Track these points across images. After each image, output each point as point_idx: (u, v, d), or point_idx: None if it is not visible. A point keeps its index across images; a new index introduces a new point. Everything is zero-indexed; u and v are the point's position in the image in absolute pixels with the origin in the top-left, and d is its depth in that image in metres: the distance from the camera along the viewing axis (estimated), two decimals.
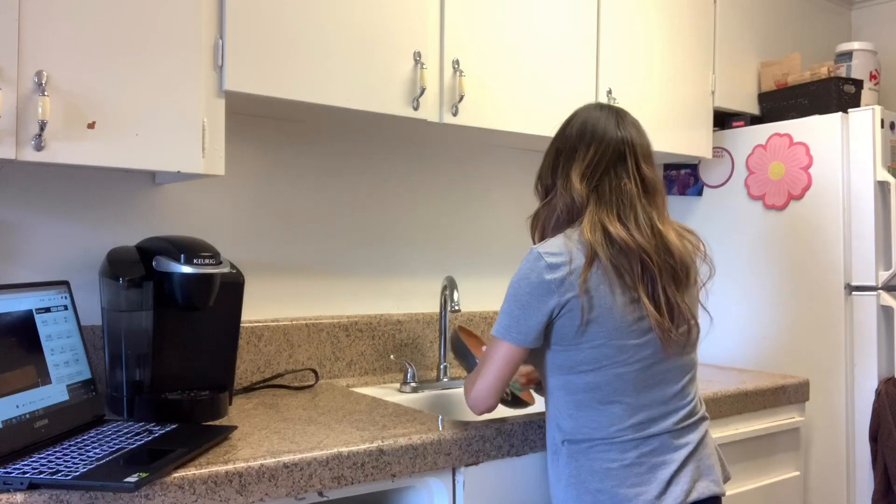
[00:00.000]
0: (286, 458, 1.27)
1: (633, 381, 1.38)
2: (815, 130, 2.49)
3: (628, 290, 1.36)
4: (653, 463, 1.37)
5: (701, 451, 1.42)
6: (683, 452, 1.39)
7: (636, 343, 1.37)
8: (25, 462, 1.14)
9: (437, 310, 2.32)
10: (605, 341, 1.36)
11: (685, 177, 2.81)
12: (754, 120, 2.72)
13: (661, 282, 1.38)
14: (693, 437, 1.42)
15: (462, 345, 1.69)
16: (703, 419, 1.46)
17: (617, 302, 1.36)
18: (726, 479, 1.51)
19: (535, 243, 1.48)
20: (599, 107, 1.54)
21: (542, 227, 1.51)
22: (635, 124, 1.51)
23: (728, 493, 1.50)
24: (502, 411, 2.08)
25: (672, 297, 1.38)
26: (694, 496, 1.37)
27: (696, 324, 1.46)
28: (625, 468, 1.36)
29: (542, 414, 1.62)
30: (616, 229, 1.37)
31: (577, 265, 1.36)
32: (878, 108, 2.40)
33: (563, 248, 1.38)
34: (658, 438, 1.38)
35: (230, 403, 1.66)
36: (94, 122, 1.43)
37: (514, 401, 1.65)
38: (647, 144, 1.50)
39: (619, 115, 1.51)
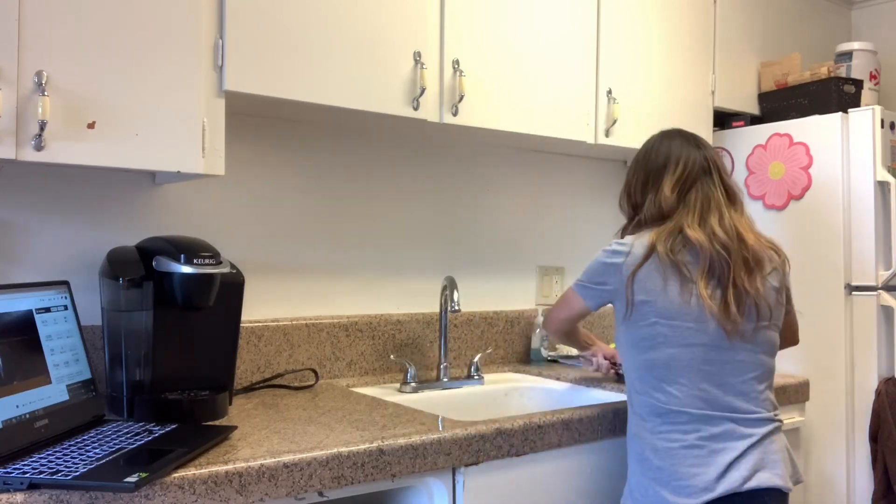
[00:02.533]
0: (286, 458, 1.27)
1: (691, 363, 1.47)
2: (815, 130, 2.49)
3: (686, 282, 1.49)
4: (714, 447, 1.45)
5: (766, 445, 1.48)
6: (746, 443, 1.46)
7: (692, 327, 1.48)
8: (25, 462, 1.14)
9: (437, 310, 2.32)
10: (657, 320, 1.50)
11: None
12: (754, 120, 2.72)
13: (734, 271, 1.50)
14: (759, 431, 1.48)
15: None
16: (772, 420, 1.52)
17: (669, 288, 1.50)
18: (797, 480, 1.56)
19: None
20: (679, 132, 1.71)
21: (630, 234, 1.65)
22: (708, 145, 1.69)
23: None
24: (505, 411, 2.09)
25: (741, 283, 1.49)
26: (752, 484, 1.42)
27: (773, 326, 1.55)
28: (685, 448, 1.45)
29: (542, 413, 1.63)
30: (693, 231, 1.53)
31: (634, 256, 1.54)
32: (878, 108, 2.40)
33: (630, 241, 1.58)
34: (721, 424, 1.46)
35: (230, 403, 1.66)
36: (94, 122, 1.43)
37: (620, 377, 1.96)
38: (723, 161, 1.72)
39: (696, 138, 1.69)
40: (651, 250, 1.52)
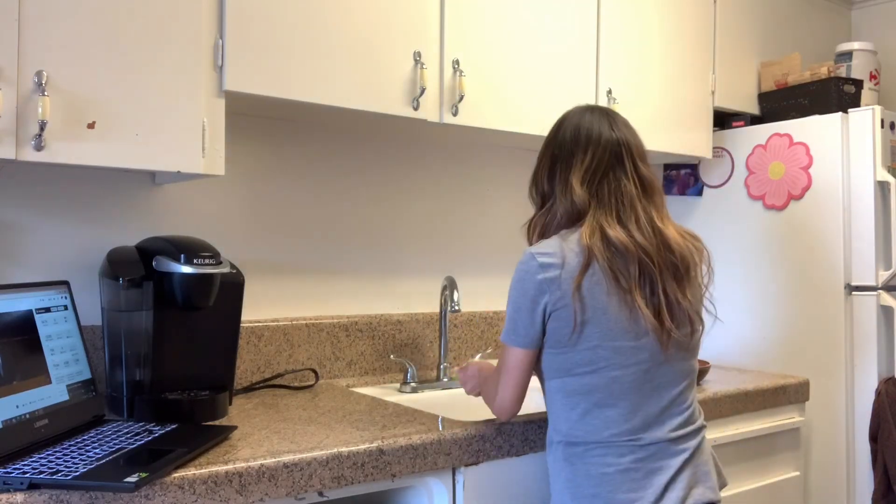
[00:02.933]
0: (286, 458, 1.27)
1: (631, 385, 1.36)
2: (815, 130, 2.49)
3: (624, 293, 1.35)
4: (649, 468, 1.35)
5: (698, 457, 1.40)
6: (680, 459, 1.37)
7: (632, 345, 1.36)
8: (25, 462, 1.14)
9: (437, 310, 2.32)
10: (600, 342, 1.35)
11: (685, 177, 2.81)
12: (754, 120, 2.72)
13: (662, 280, 1.37)
14: (691, 444, 1.40)
15: None
16: (701, 427, 1.45)
17: (612, 304, 1.35)
18: (722, 485, 1.49)
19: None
20: (590, 109, 1.53)
21: (541, 233, 1.50)
22: (627, 125, 1.50)
23: (728, 493, 1.50)
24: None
25: (673, 294, 1.38)
26: (690, 502, 1.35)
27: (701, 323, 1.45)
28: (620, 473, 1.35)
29: (542, 413, 1.62)
30: (615, 232, 1.37)
31: (570, 267, 1.36)
32: (878, 108, 2.40)
33: (557, 248, 1.39)
34: (655, 444, 1.37)
35: (230, 403, 1.66)
36: (94, 122, 1.43)
37: None
38: (641, 144, 1.50)
39: (610, 116, 1.50)
40: (589, 257, 1.35)
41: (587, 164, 1.43)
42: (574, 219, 1.43)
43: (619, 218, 1.40)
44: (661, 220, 1.43)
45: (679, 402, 1.40)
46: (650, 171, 1.47)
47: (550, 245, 1.40)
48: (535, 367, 1.46)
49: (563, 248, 1.38)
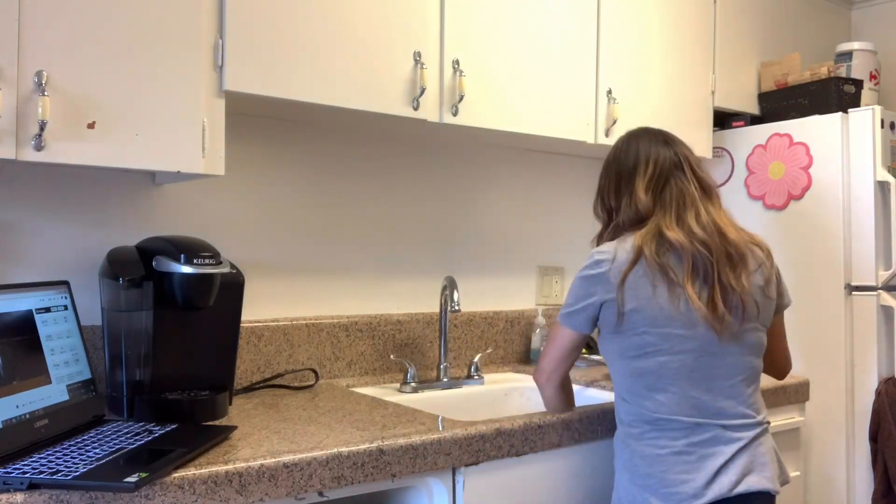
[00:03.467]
0: (286, 458, 1.27)
1: (679, 371, 1.45)
2: (815, 130, 2.49)
3: (673, 285, 1.46)
4: (703, 453, 1.43)
5: (755, 448, 1.47)
6: (735, 446, 1.44)
7: (682, 333, 1.45)
8: (25, 462, 1.14)
9: (437, 310, 2.32)
10: (647, 328, 1.46)
11: None
12: (754, 120, 2.72)
13: (717, 268, 1.47)
14: (746, 434, 1.46)
15: None
16: (759, 423, 1.50)
17: (659, 294, 1.46)
18: (784, 481, 1.54)
19: None
20: (645, 131, 1.67)
21: (609, 240, 1.61)
22: (680, 140, 1.65)
23: None
24: (505, 411, 2.09)
25: (727, 280, 1.46)
26: (742, 488, 1.41)
27: (760, 327, 1.52)
28: (674, 455, 1.43)
29: (542, 413, 1.63)
30: (672, 232, 1.49)
31: (619, 262, 1.49)
32: (878, 108, 2.40)
33: (611, 248, 1.53)
34: (709, 430, 1.44)
35: (230, 403, 1.66)
36: (94, 122, 1.43)
37: None
38: (695, 155, 1.64)
39: (664, 134, 1.65)
40: (638, 254, 1.48)
41: (650, 174, 1.58)
42: (636, 224, 1.56)
43: (680, 217, 1.52)
44: (719, 217, 1.55)
45: (735, 394, 1.48)
46: (708, 175, 1.62)
47: (607, 246, 1.55)
48: (602, 352, 1.58)
49: (618, 248, 1.52)
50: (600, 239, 1.66)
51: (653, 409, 1.46)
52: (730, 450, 1.44)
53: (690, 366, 1.45)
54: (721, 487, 1.40)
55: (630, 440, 1.50)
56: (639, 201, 1.56)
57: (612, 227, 1.63)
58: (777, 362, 1.70)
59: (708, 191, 1.58)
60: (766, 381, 2.13)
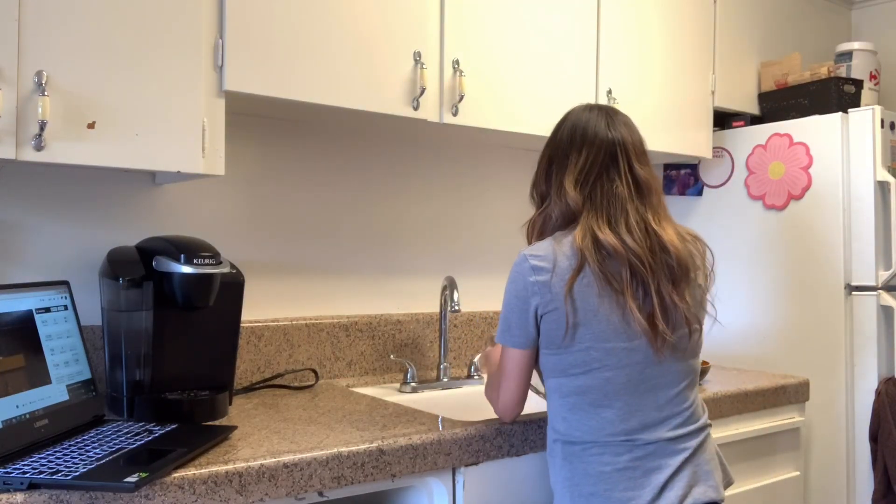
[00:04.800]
0: (286, 458, 1.27)
1: (625, 385, 1.36)
2: (815, 130, 2.49)
3: (616, 295, 1.35)
4: (647, 467, 1.35)
5: (699, 456, 1.39)
6: (680, 458, 1.37)
7: (626, 346, 1.36)
8: (25, 462, 1.14)
9: (437, 310, 2.32)
10: (592, 344, 1.35)
11: (685, 177, 2.81)
12: (754, 120, 2.72)
13: (656, 282, 1.36)
14: (691, 444, 1.39)
15: None
16: (703, 427, 1.43)
17: (603, 306, 1.35)
18: (728, 483, 1.49)
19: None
20: (589, 108, 1.52)
21: (539, 233, 1.50)
22: (627, 123, 1.49)
23: (728, 493, 1.50)
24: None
25: (668, 296, 1.36)
26: (689, 502, 1.35)
27: (699, 328, 1.44)
28: (618, 472, 1.35)
29: (542, 413, 1.62)
30: (605, 235, 1.37)
31: (561, 269, 1.37)
32: (878, 108, 2.40)
33: (549, 251, 1.39)
34: (653, 444, 1.36)
35: (230, 403, 1.66)
36: (94, 122, 1.43)
37: None
38: (640, 142, 1.49)
39: (609, 114, 1.49)
40: (582, 261, 1.36)
41: (581, 166, 1.43)
42: (569, 220, 1.44)
43: (610, 221, 1.39)
44: (656, 222, 1.41)
45: (678, 402, 1.40)
46: (648, 171, 1.46)
47: (543, 248, 1.41)
48: (535, 366, 1.46)
49: (556, 250, 1.39)
50: (531, 226, 1.52)
51: (597, 427, 1.37)
52: (675, 462, 1.36)
53: (636, 379, 1.36)
54: (668, 503, 1.34)
55: (571, 458, 1.39)
56: (567, 195, 1.42)
57: (543, 216, 1.49)
58: None
59: (645, 190, 1.43)
60: (767, 380, 2.13)
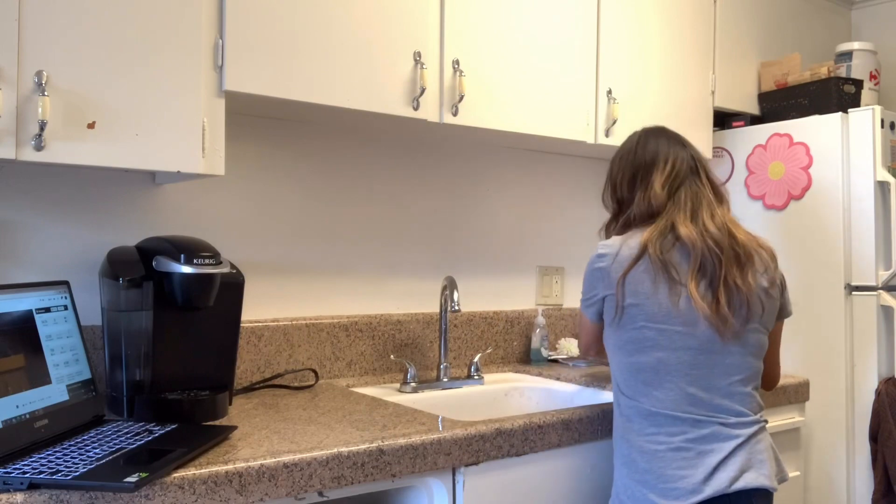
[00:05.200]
0: (286, 458, 1.27)
1: (677, 367, 1.46)
2: (815, 130, 2.49)
3: (674, 283, 1.48)
4: (701, 449, 1.44)
5: (753, 445, 1.47)
6: (733, 443, 1.45)
7: (680, 331, 1.46)
8: (25, 462, 1.14)
9: (437, 310, 2.32)
10: (645, 324, 1.48)
11: None
12: (754, 120, 2.72)
13: (725, 267, 1.48)
14: (745, 432, 1.47)
15: None
16: (757, 421, 1.50)
17: (659, 291, 1.47)
18: (782, 479, 1.54)
19: None
20: (664, 130, 1.71)
21: (620, 231, 1.65)
22: (692, 145, 1.69)
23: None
24: (505, 411, 2.09)
25: (733, 280, 1.48)
26: (740, 484, 1.41)
27: (760, 328, 1.53)
28: (672, 451, 1.44)
29: (542, 413, 1.62)
30: (686, 228, 1.51)
31: (622, 257, 1.52)
32: (878, 108, 2.40)
33: (616, 242, 1.56)
34: (707, 426, 1.45)
35: (230, 403, 1.66)
36: (94, 122, 1.43)
37: None
38: (707, 163, 1.69)
39: (679, 137, 1.70)
40: (642, 251, 1.51)
41: (668, 172, 1.61)
42: (647, 218, 1.59)
43: (695, 214, 1.55)
44: (733, 224, 1.58)
45: (732, 393, 1.48)
46: (721, 183, 1.67)
47: (612, 241, 1.58)
48: (606, 345, 1.61)
49: (623, 243, 1.55)
50: (608, 229, 1.70)
51: (651, 405, 1.47)
52: (728, 446, 1.44)
53: (689, 363, 1.46)
54: (719, 483, 1.40)
55: (629, 434, 1.50)
56: (654, 195, 1.58)
57: (622, 220, 1.65)
58: (768, 372, 1.67)
59: (720, 196, 1.62)
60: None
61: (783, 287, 1.63)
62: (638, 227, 1.59)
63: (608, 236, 1.67)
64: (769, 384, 1.71)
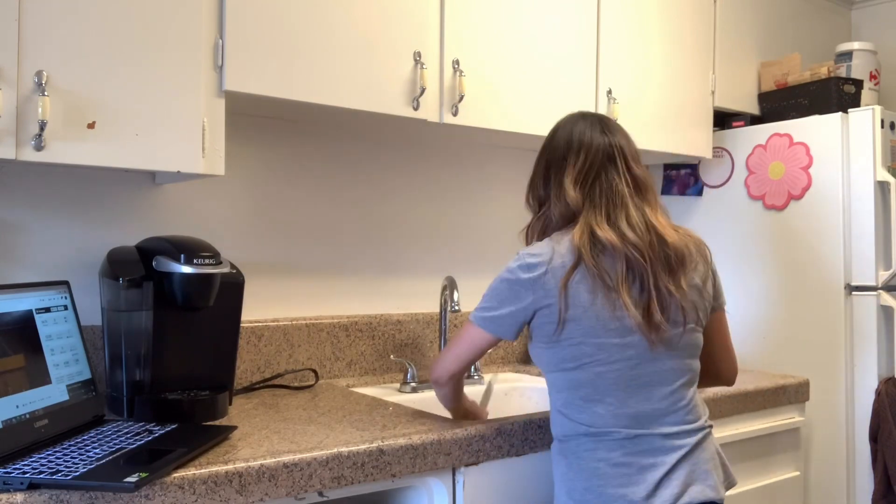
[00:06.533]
0: (286, 458, 1.27)
1: (616, 381, 1.37)
2: (815, 130, 2.49)
3: (609, 291, 1.37)
4: (642, 464, 1.35)
5: (697, 455, 1.39)
6: (676, 455, 1.37)
7: (617, 343, 1.37)
8: (25, 462, 1.14)
9: (437, 310, 2.32)
10: (583, 339, 1.37)
11: (685, 177, 2.81)
12: (754, 120, 2.71)
13: (654, 274, 1.38)
14: (688, 441, 1.39)
15: None
16: (702, 427, 1.43)
17: (596, 302, 1.36)
18: (729, 485, 1.49)
19: None
20: (582, 116, 1.55)
21: (539, 235, 1.52)
22: (620, 129, 1.53)
23: (728, 493, 1.49)
24: (505, 411, 2.09)
25: (664, 286, 1.38)
26: (685, 500, 1.34)
27: (695, 326, 1.43)
28: (612, 467, 1.36)
29: (542, 413, 1.62)
30: (603, 231, 1.39)
31: (557, 265, 1.39)
32: (878, 108, 2.40)
33: (546, 249, 1.42)
34: (647, 440, 1.37)
35: (230, 403, 1.66)
36: (94, 122, 1.43)
37: None
38: (634, 146, 1.52)
39: (602, 121, 1.52)
40: (578, 258, 1.37)
41: (579, 167, 1.46)
42: (568, 220, 1.46)
43: (609, 217, 1.41)
44: (654, 217, 1.44)
45: (673, 401, 1.40)
46: (643, 171, 1.49)
47: (540, 247, 1.43)
48: (535, 363, 1.48)
49: (554, 249, 1.41)
50: (529, 232, 1.54)
51: (589, 422, 1.38)
52: (670, 459, 1.36)
53: (628, 375, 1.37)
54: (663, 500, 1.33)
55: (566, 453, 1.41)
56: (567, 196, 1.44)
57: (542, 222, 1.51)
58: (722, 369, 1.58)
59: (643, 188, 1.46)
60: (767, 380, 2.13)
61: (716, 280, 1.52)
62: (559, 230, 1.46)
63: (529, 240, 1.53)
64: (727, 380, 1.61)
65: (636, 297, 1.37)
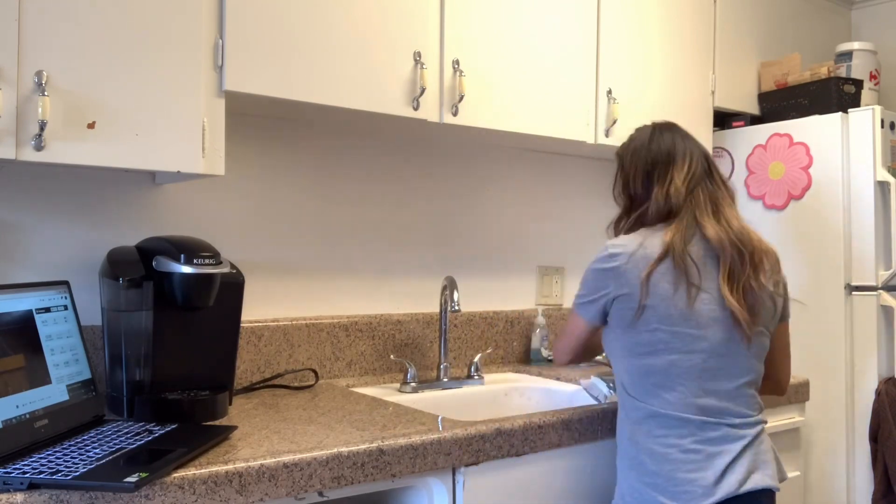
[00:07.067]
0: (286, 458, 1.27)
1: (688, 370, 1.46)
2: (815, 130, 2.49)
3: (692, 286, 1.46)
4: (710, 451, 1.44)
5: (757, 445, 1.48)
6: (740, 444, 1.45)
7: (693, 333, 1.46)
8: (25, 462, 1.14)
9: (437, 310, 2.32)
10: (659, 326, 1.46)
11: None
12: (754, 120, 2.72)
13: (744, 269, 1.49)
14: (750, 432, 1.48)
15: None
16: (760, 422, 1.52)
17: (678, 293, 1.46)
18: (782, 479, 1.56)
19: None
20: (672, 125, 1.67)
21: (628, 229, 1.62)
22: (701, 143, 1.68)
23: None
24: (505, 411, 2.09)
25: (750, 281, 1.49)
26: (748, 486, 1.42)
27: (764, 331, 1.52)
28: (682, 453, 1.44)
29: (543, 413, 1.62)
30: (713, 228, 1.51)
31: (639, 257, 1.49)
32: (878, 108, 2.40)
33: (631, 241, 1.52)
34: (717, 428, 1.45)
35: (230, 403, 1.66)
36: (94, 122, 1.43)
37: None
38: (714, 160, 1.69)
39: (689, 134, 1.67)
40: (666, 251, 1.47)
41: (687, 170, 1.58)
42: (662, 218, 1.56)
43: (717, 214, 1.54)
44: (741, 222, 1.58)
45: (738, 395, 1.48)
46: (731, 184, 1.66)
47: (626, 239, 1.54)
48: (607, 347, 1.59)
49: (641, 242, 1.51)
50: (618, 225, 1.65)
51: (661, 407, 1.47)
52: (736, 448, 1.45)
53: (700, 366, 1.46)
54: (729, 486, 1.41)
55: (636, 437, 1.49)
56: (674, 192, 1.55)
57: (634, 217, 1.61)
58: (781, 377, 1.67)
59: (731, 196, 1.61)
60: None
61: (785, 289, 1.63)
62: (651, 226, 1.56)
63: (617, 234, 1.63)
64: (784, 388, 1.69)
65: (732, 290, 1.47)
